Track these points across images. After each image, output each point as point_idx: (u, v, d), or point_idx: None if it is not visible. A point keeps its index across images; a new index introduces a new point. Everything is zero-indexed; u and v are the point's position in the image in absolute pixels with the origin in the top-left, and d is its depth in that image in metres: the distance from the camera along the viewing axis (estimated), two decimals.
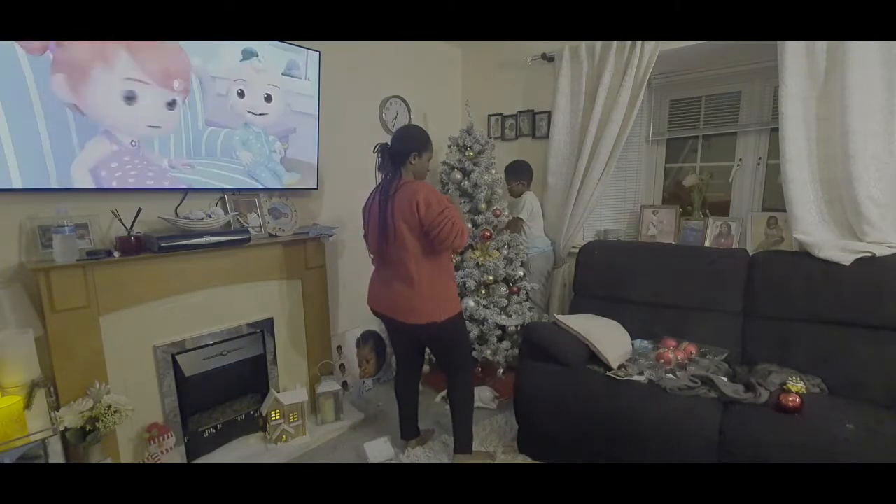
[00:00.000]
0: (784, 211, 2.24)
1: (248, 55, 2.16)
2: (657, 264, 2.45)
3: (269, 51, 2.24)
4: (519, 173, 2.98)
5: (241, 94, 2.17)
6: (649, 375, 1.96)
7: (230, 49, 2.10)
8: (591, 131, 2.71)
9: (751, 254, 2.31)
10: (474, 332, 2.67)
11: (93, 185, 1.81)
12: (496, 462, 2.18)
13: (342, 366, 2.83)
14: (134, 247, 1.86)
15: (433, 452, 2.26)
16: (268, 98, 2.27)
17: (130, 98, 1.83)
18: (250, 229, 2.24)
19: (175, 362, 2.06)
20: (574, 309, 2.58)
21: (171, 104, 1.95)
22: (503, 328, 2.75)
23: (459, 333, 2.07)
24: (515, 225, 2.92)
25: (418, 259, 1.86)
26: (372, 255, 2.06)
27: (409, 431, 2.31)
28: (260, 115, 2.26)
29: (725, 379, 1.88)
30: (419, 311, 1.89)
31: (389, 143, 1.93)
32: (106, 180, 1.84)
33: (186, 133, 2.02)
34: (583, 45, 2.73)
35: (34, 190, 1.70)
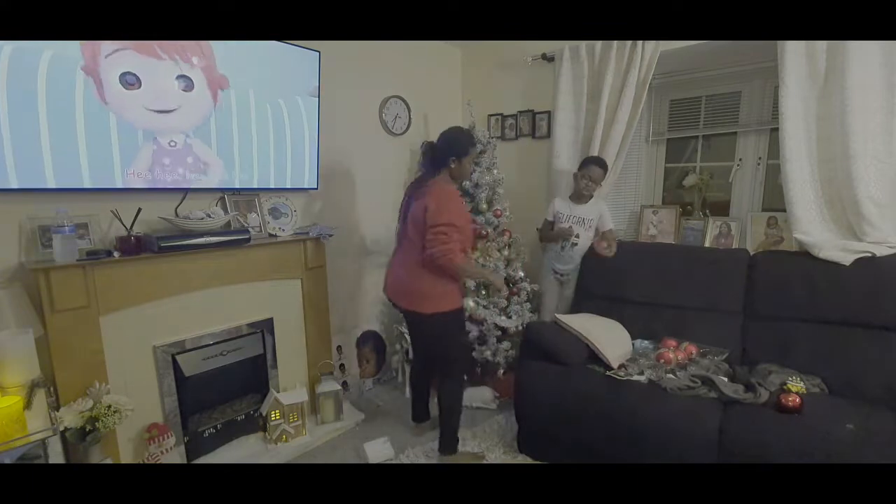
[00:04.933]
0: (784, 211, 2.24)
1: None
2: (657, 264, 2.45)
3: None
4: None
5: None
6: (649, 375, 1.97)
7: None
8: (596, 133, 2.70)
9: (751, 254, 2.31)
10: (474, 332, 2.67)
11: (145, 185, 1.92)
12: (491, 462, 2.18)
13: (342, 366, 2.83)
14: (134, 247, 1.86)
15: (433, 452, 2.26)
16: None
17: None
18: (250, 229, 2.23)
19: (175, 362, 2.06)
20: (574, 309, 2.58)
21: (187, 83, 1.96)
22: (503, 328, 2.75)
23: (446, 332, 2.06)
24: None
25: (418, 251, 1.97)
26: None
27: (420, 415, 2.41)
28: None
29: (725, 379, 1.88)
30: (408, 296, 2.06)
31: (436, 142, 2.05)
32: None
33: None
34: (583, 45, 2.72)
35: (34, 190, 1.70)
